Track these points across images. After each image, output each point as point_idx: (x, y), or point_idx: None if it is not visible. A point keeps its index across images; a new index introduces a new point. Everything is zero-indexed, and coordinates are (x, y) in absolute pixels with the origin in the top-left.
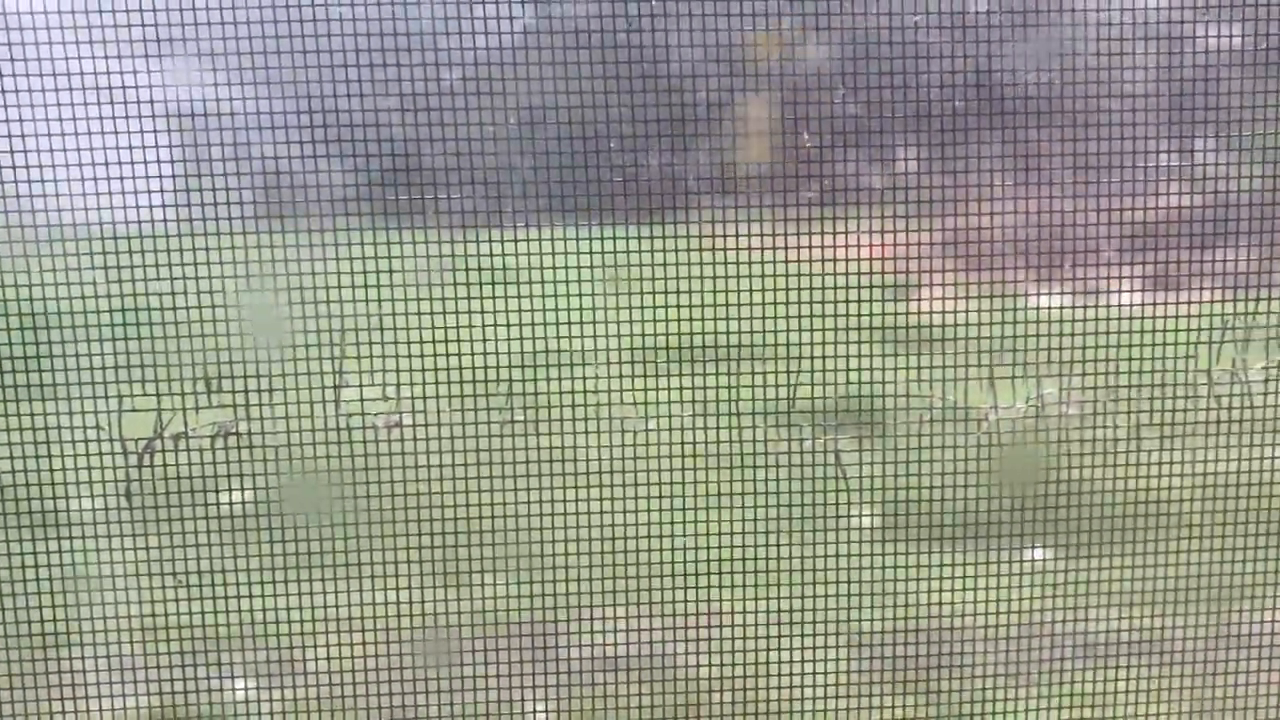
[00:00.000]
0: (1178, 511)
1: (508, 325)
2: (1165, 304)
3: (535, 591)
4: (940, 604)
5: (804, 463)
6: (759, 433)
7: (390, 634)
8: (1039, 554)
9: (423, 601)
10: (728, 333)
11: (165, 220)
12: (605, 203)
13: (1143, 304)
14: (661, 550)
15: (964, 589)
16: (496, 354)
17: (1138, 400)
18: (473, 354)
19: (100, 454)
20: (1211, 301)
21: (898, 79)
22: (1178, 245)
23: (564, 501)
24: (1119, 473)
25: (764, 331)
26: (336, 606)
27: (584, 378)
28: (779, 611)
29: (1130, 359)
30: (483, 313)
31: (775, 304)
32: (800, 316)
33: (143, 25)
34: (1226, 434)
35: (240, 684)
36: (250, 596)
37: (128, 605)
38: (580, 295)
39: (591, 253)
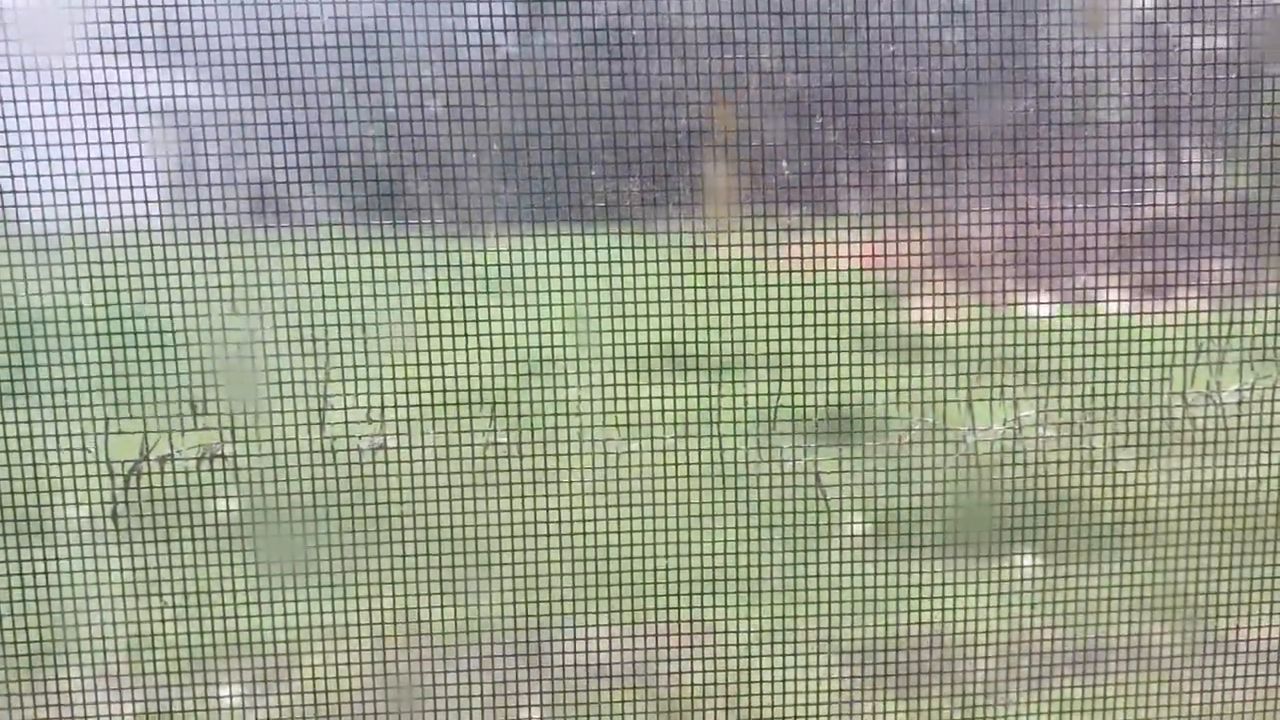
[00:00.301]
0: (1153, 530)
1: (491, 349)
2: (1145, 315)
3: (525, 611)
4: (921, 618)
5: (785, 480)
6: (744, 445)
7: (381, 655)
8: (1016, 568)
9: (408, 622)
10: (701, 342)
11: (151, 244)
12: (589, 226)
13: (1119, 314)
14: (641, 567)
15: (939, 603)
16: (480, 375)
17: (1114, 420)
18: (456, 375)
19: (87, 475)
20: (1185, 317)
21: (875, 105)
22: (1154, 255)
23: (548, 522)
24: (1096, 490)
25: (742, 340)
26: (322, 627)
27: (568, 398)
28: (765, 629)
29: (1109, 376)
30: (467, 335)
31: (757, 314)
32: (781, 325)
33: (127, 36)
34: (1202, 451)
35: (226, 700)
36: (236, 617)
37: (114, 626)
38: (563, 305)
39: (574, 265)
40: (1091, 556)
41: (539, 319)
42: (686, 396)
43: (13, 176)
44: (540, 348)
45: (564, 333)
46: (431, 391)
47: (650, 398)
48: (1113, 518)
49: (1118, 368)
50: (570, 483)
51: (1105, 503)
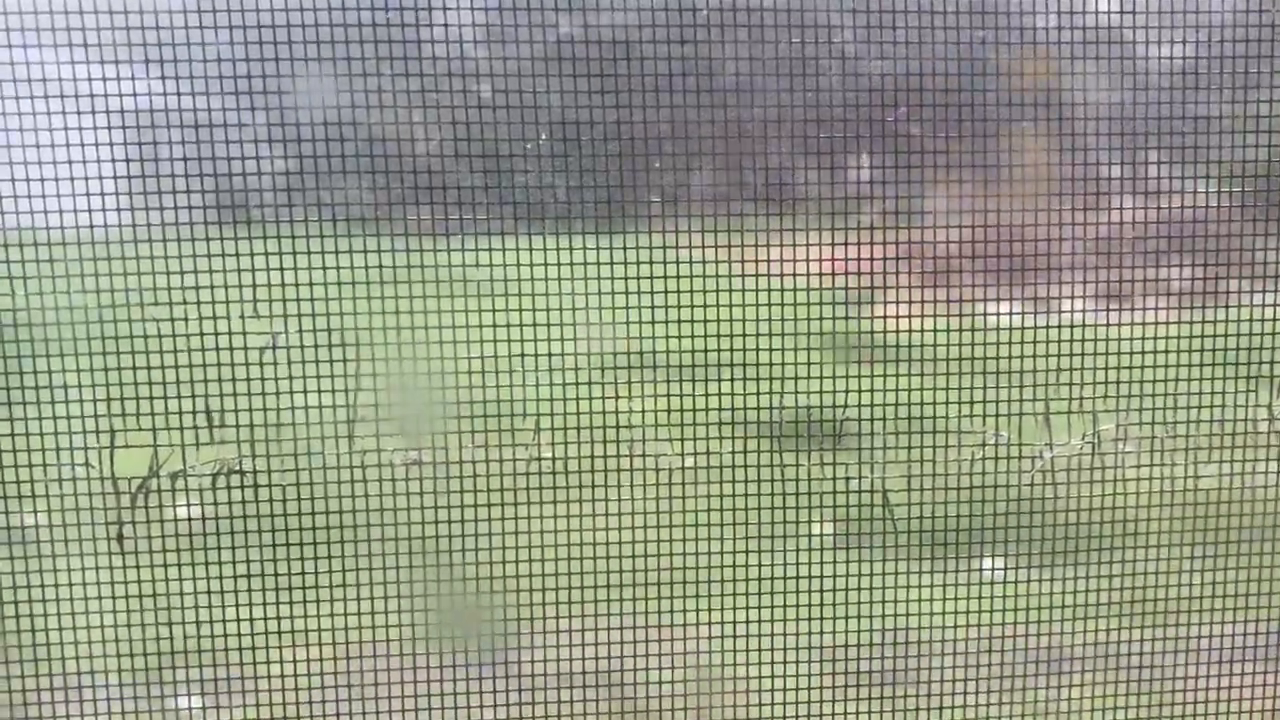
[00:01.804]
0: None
1: (536, 354)
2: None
3: (552, 614)
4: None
5: (853, 497)
6: (808, 459)
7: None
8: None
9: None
10: (762, 349)
11: (164, 239)
12: (644, 224)
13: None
14: (709, 580)
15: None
16: (524, 385)
17: (1197, 435)
18: (498, 385)
19: (90, 494)
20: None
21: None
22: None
23: (595, 536)
24: (1179, 507)
25: (806, 349)
26: (347, 648)
27: (610, 409)
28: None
29: (1191, 387)
30: (509, 340)
31: (811, 319)
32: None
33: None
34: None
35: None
36: (254, 648)
37: (119, 659)
38: (615, 309)
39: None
40: (1167, 569)
41: (588, 323)
42: (745, 408)
43: (13, 180)
44: (590, 354)
45: (614, 338)
46: (470, 402)
47: (706, 409)
48: (1194, 533)
49: (1200, 379)
50: (621, 500)
51: (1189, 519)
